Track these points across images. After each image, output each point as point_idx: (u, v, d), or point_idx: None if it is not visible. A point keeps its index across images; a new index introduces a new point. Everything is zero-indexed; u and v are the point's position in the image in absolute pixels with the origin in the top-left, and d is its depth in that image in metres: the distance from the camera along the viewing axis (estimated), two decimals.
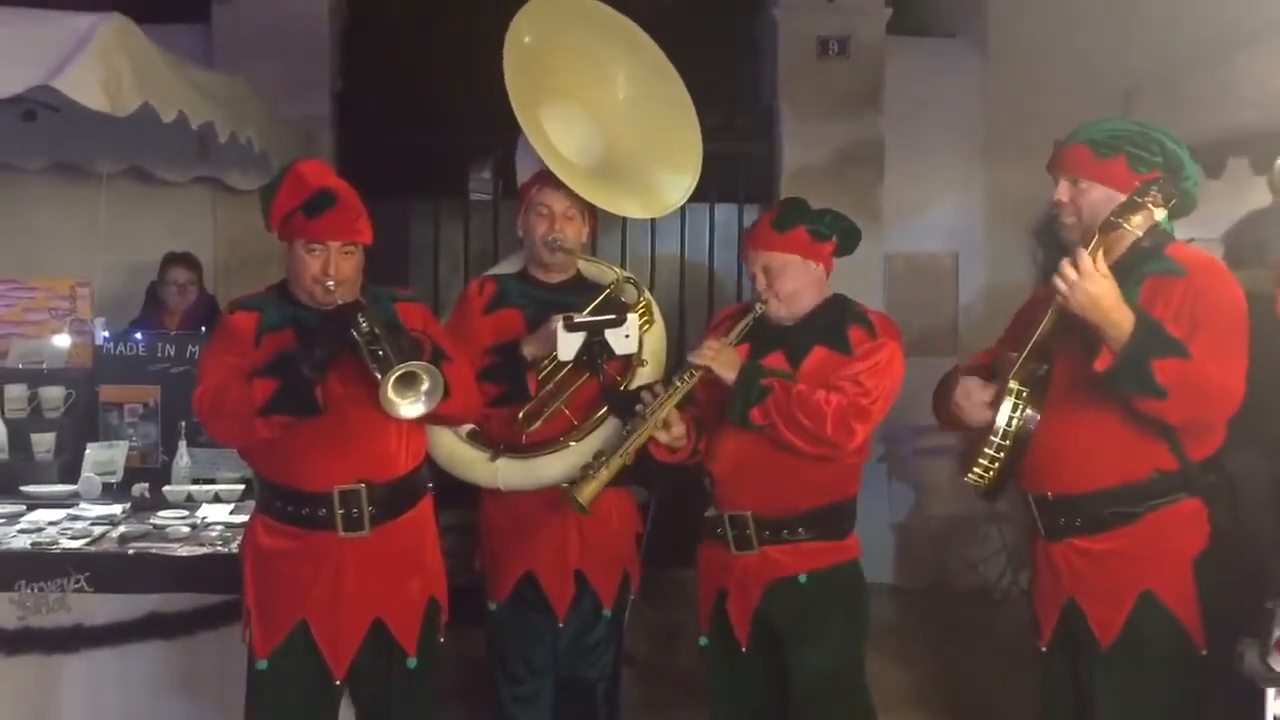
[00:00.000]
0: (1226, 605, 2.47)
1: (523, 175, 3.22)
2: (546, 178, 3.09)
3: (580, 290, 3.11)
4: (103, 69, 2.85)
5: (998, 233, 5.96)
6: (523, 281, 3.19)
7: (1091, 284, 2.24)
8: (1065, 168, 2.51)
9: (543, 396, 3.02)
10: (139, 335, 4.26)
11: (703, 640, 2.96)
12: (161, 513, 3.60)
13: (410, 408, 2.51)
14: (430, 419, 2.70)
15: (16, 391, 4.10)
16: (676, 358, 5.53)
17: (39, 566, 3.12)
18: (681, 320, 5.95)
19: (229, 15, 5.51)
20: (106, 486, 3.87)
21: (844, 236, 2.88)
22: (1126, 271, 2.36)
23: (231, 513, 3.62)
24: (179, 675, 3.13)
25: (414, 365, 2.49)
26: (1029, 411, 2.43)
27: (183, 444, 3.97)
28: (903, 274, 5.90)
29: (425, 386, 2.51)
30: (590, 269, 3.22)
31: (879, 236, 5.61)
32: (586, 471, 2.77)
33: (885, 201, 5.71)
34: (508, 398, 2.97)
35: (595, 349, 2.90)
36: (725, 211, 6.01)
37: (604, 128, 3.39)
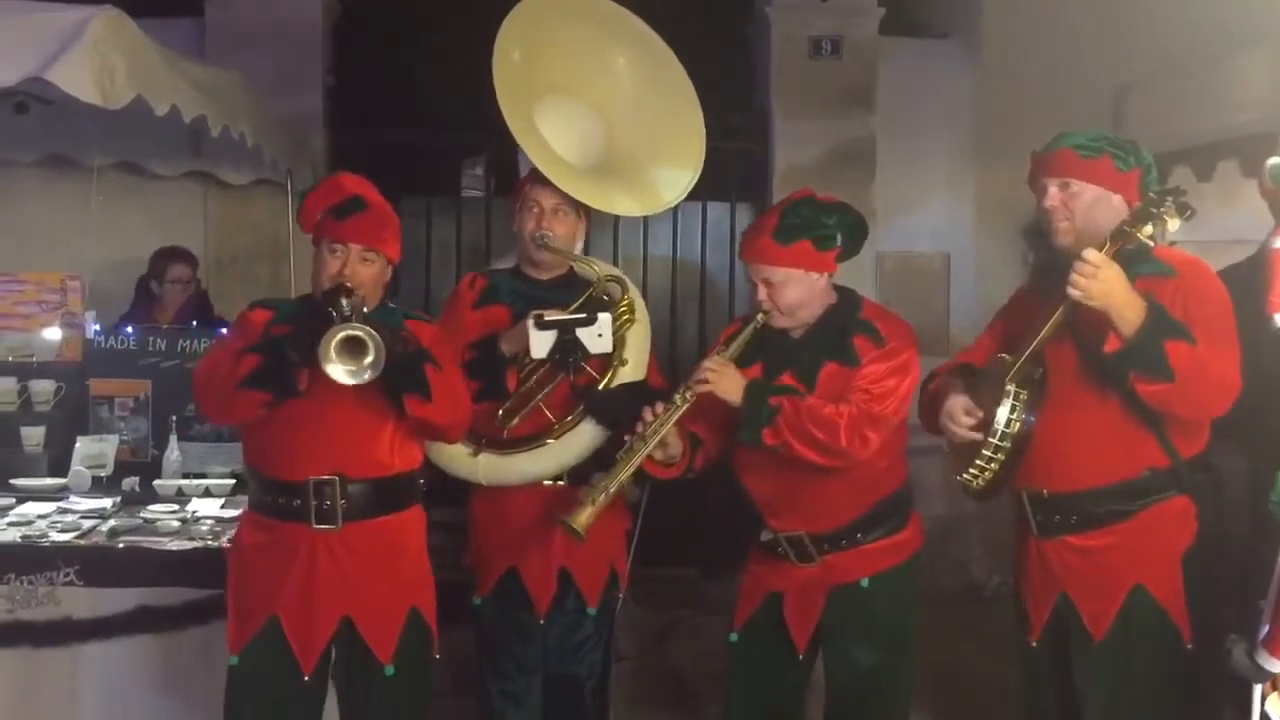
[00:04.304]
0: (1212, 600, 2.50)
1: (524, 171, 3.23)
2: (539, 174, 3.09)
3: (571, 288, 3.11)
4: (96, 62, 2.84)
5: (989, 232, 5.98)
6: (515, 278, 3.19)
7: (1109, 269, 2.28)
8: (1053, 172, 2.53)
9: (523, 393, 3.02)
10: (130, 329, 4.26)
11: (733, 636, 2.96)
12: (151, 507, 3.59)
13: (341, 371, 2.45)
14: (420, 430, 2.72)
15: (6, 384, 4.09)
16: (668, 357, 5.59)
17: (28, 559, 3.11)
18: (673, 319, 5.96)
19: (222, 9, 5.50)
20: (96, 480, 3.87)
21: (850, 235, 2.83)
22: None
23: (222, 507, 3.61)
24: (168, 669, 3.13)
25: (360, 330, 2.44)
26: (1026, 414, 2.44)
27: (173, 438, 3.97)
28: (894, 274, 5.92)
29: (369, 359, 2.45)
30: (582, 266, 3.22)
31: (870, 236, 5.51)
32: (583, 498, 2.71)
33: (877, 201, 5.72)
34: (486, 394, 2.97)
35: (568, 347, 2.89)
36: (717, 210, 6.01)
37: (605, 120, 3.37)
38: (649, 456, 2.74)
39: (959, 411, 2.54)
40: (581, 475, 3.05)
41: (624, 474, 2.71)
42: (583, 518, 2.69)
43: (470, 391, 2.93)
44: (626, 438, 2.76)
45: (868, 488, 2.80)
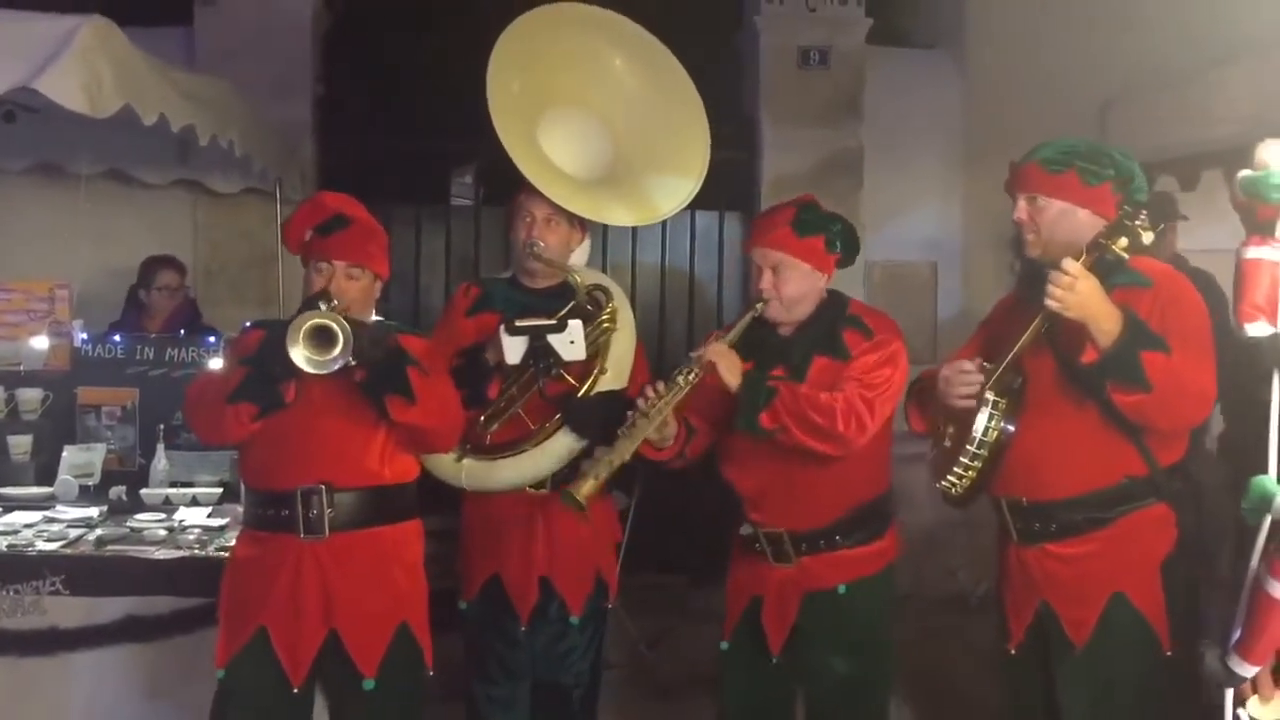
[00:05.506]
0: (1189, 606, 2.52)
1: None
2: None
3: (564, 297, 3.11)
4: (84, 71, 2.84)
5: (976, 242, 6.01)
6: (509, 287, 3.21)
7: (1086, 281, 2.30)
8: (1021, 187, 2.57)
9: (507, 399, 3.02)
10: (117, 338, 4.25)
11: (724, 645, 2.97)
12: (139, 515, 3.59)
13: (304, 358, 2.47)
14: (409, 438, 2.72)
15: None
16: (655, 364, 5.59)
17: (14, 569, 3.11)
18: (661, 326, 5.98)
19: (212, 18, 5.50)
20: (83, 489, 3.86)
21: (846, 247, 2.89)
22: None
23: (209, 516, 3.61)
24: (155, 679, 3.13)
25: (330, 318, 2.47)
26: (1004, 422, 2.46)
27: (160, 447, 3.96)
28: (881, 282, 5.95)
29: (336, 350, 2.47)
30: (570, 276, 3.22)
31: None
32: (585, 470, 2.72)
33: (864, 210, 5.74)
34: (470, 401, 2.97)
35: (539, 353, 2.90)
36: (706, 219, 6.04)
37: (610, 125, 3.39)
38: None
39: (966, 364, 2.53)
40: (566, 482, 3.06)
41: (627, 450, 2.71)
42: (585, 488, 2.69)
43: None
44: (630, 413, 2.77)
45: (851, 489, 2.82)
